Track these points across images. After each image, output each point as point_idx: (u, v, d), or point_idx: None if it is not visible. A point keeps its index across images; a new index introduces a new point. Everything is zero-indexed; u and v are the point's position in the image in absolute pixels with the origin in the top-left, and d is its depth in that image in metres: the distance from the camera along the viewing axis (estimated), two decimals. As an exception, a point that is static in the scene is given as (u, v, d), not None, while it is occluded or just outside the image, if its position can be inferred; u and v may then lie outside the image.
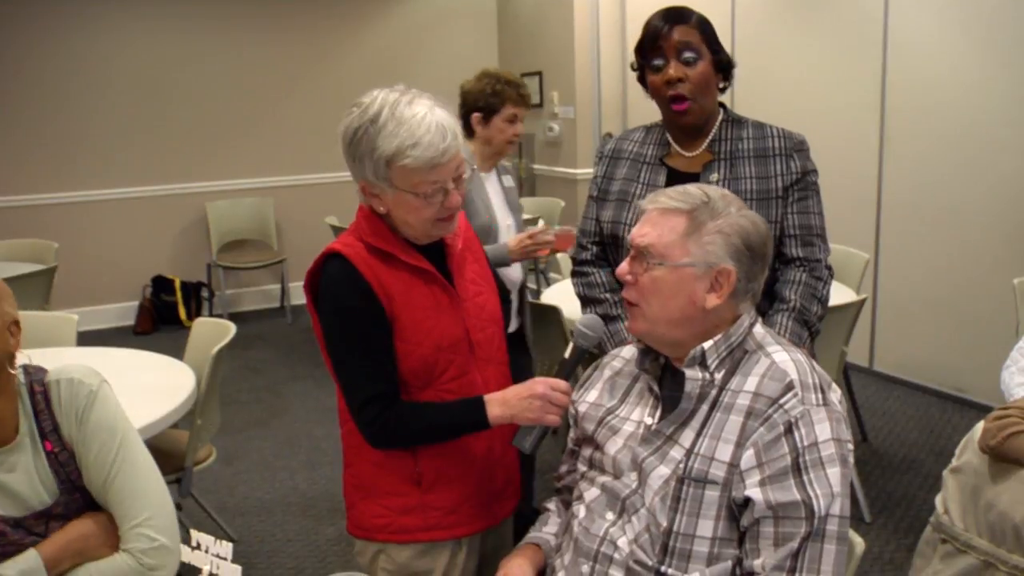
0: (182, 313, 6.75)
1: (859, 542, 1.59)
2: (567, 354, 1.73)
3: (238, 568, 1.13)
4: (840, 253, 3.91)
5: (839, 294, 3.49)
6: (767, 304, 2.14)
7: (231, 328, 3.09)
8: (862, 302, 3.29)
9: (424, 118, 1.63)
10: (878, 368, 4.96)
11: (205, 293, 7.04)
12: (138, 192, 6.82)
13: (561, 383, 1.67)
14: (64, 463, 1.59)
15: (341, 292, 1.70)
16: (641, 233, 1.57)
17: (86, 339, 3.49)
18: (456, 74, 7.35)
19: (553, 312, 3.26)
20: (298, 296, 7.13)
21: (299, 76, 7.12)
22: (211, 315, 6.84)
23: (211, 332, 3.14)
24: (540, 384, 1.66)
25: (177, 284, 6.84)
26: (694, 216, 1.55)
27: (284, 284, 7.13)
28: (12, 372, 1.54)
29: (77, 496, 1.60)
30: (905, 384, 4.77)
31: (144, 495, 1.61)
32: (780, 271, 2.17)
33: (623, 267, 1.60)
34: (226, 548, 1.14)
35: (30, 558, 1.49)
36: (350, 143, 1.69)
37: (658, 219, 1.57)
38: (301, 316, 6.96)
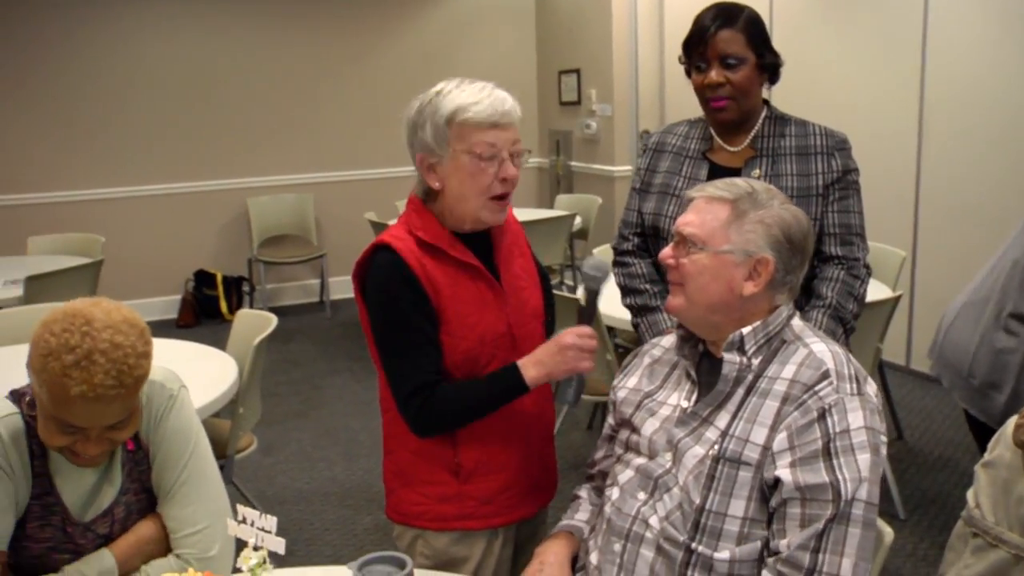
0: (223, 307, 6.87)
1: (888, 532, 1.61)
2: (582, 301, 1.77)
3: (282, 541, 1.18)
4: (876, 250, 3.89)
5: (874, 291, 3.48)
6: (804, 301, 2.16)
7: (272, 320, 3.17)
8: (897, 299, 3.28)
9: (485, 87, 1.73)
10: (915, 366, 4.94)
11: (246, 287, 7.16)
12: (181, 188, 6.95)
13: (585, 329, 1.72)
14: (138, 462, 1.63)
15: (389, 283, 1.73)
16: (686, 220, 1.63)
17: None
18: (495, 72, 7.47)
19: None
20: (337, 291, 7.23)
21: (339, 73, 7.21)
22: (252, 308, 6.94)
23: (253, 324, 3.22)
24: (567, 335, 1.70)
25: (219, 278, 6.96)
26: (737, 205, 1.60)
27: (323, 279, 7.22)
28: None
29: (143, 497, 1.63)
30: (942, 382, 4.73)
31: (207, 503, 1.63)
32: (818, 268, 2.19)
33: (666, 251, 1.65)
34: (271, 522, 1.18)
35: (104, 558, 1.52)
36: (413, 118, 1.75)
37: (703, 207, 1.63)
38: (340, 311, 7.05)
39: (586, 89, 7.04)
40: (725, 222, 1.59)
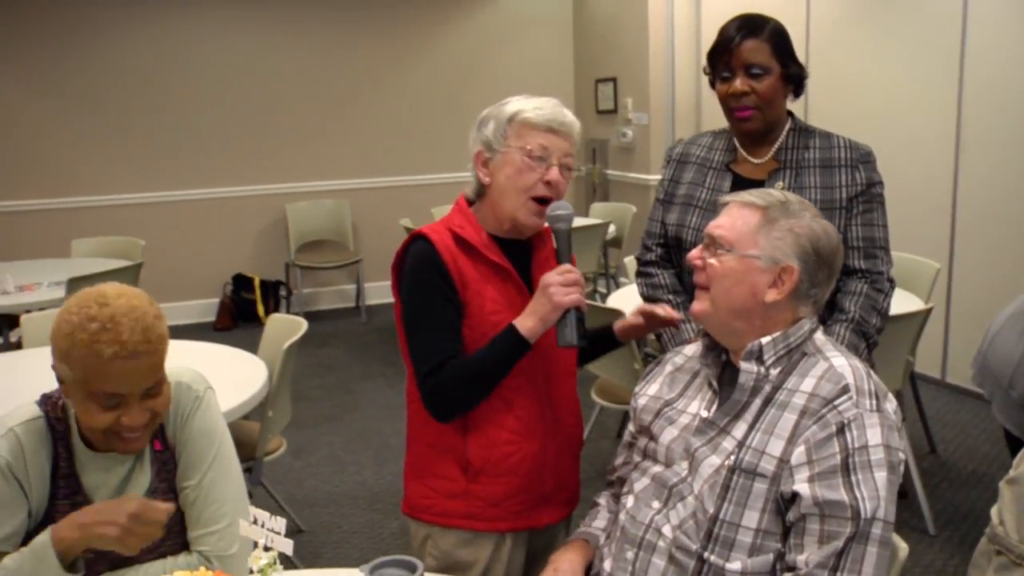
0: (260, 310, 6.95)
1: (903, 548, 1.60)
2: (554, 243, 1.84)
3: (290, 542, 1.19)
4: (910, 262, 3.87)
5: (906, 303, 3.46)
6: (827, 314, 2.15)
7: (303, 324, 3.21)
8: (928, 311, 3.25)
9: (550, 100, 1.85)
10: (951, 380, 4.87)
11: (283, 292, 7.24)
12: (221, 193, 7.06)
13: (562, 266, 1.77)
14: (165, 462, 1.66)
15: (420, 270, 1.81)
16: (717, 223, 1.66)
17: (170, 333, 3.61)
18: (532, 80, 7.51)
19: (615, 316, 3.28)
20: (373, 296, 7.29)
21: (376, 82, 7.28)
22: (288, 313, 7.03)
23: (284, 328, 3.26)
24: (547, 276, 1.75)
25: (256, 282, 7.06)
26: (768, 212, 1.61)
27: (359, 284, 7.29)
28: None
29: (171, 497, 1.66)
30: (978, 397, 4.66)
31: (228, 503, 1.66)
32: (842, 282, 2.18)
33: (694, 252, 1.68)
34: (280, 523, 1.20)
35: (44, 534, 1.51)
36: (482, 117, 1.88)
37: (735, 212, 1.65)
38: (375, 316, 7.11)
39: (622, 98, 7.04)
40: (755, 227, 1.61)
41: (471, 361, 1.79)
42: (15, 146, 6.56)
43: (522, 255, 1.90)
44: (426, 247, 1.81)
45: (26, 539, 1.56)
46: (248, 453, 3.07)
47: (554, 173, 1.79)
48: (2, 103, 6.48)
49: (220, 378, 2.81)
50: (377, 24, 7.22)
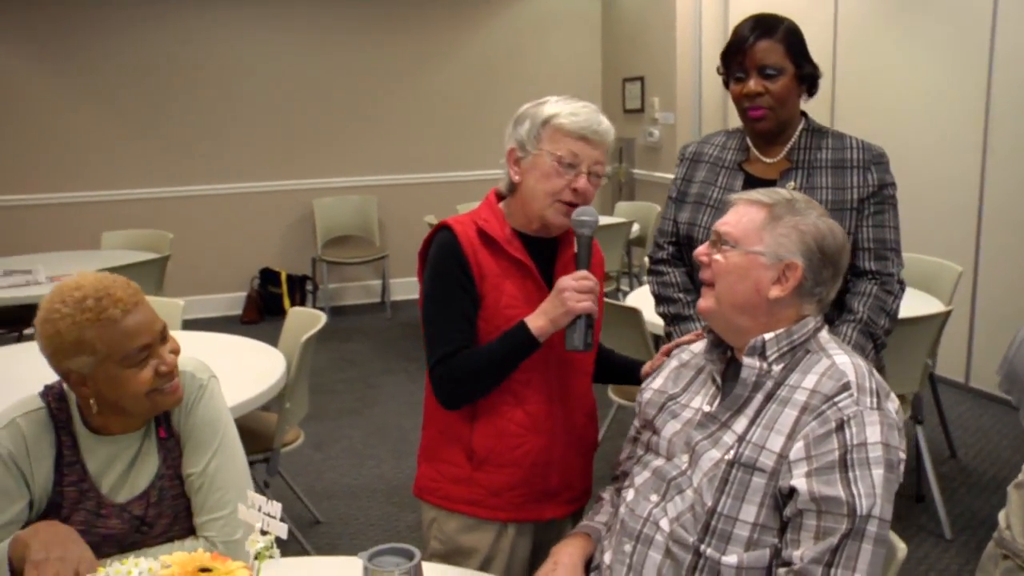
0: (287, 304, 7.02)
1: (901, 548, 1.60)
2: (575, 248, 1.84)
3: (284, 526, 1.22)
4: (932, 264, 3.84)
5: (925, 305, 3.44)
6: (836, 314, 2.15)
7: (322, 317, 3.25)
8: (947, 314, 3.22)
9: (587, 106, 1.86)
10: (974, 384, 4.83)
11: (310, 286, 7.31)
12: (249, 188, 7.14)
13: (580, 272, 1.78)
14: (171, 449, 1.71)
15: (441, 259, 1.85)
16: (724, 220, 1.67)
17: (196, 325, 3.68)
18: (560, 79, 7.53)
19: (633, 315, 3.30)
20: (398, 292, 7.35)
21: (404, 79, 7.32)
22: (314, 307, 7.09)
23: (304, 321, 3.30)
24: (562, 280, 1.77)
25: (283, 277, 7.13)
26: (774, 209, 1.63)
27: (385, 280, 7.34)
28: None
29: (177, 483, 1.71)
30: (1002, 402, 4.62)
31: (233, 490, 1.70)
32: (851, 283, 2.18)
33: (701, 248, 1.69)
34: (276, 508, 1.23)
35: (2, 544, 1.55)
36: (518, 115, 1.89)
37: (742, 210, 1.66)
38: (400, 311, 7.16)
39: (649, 97, 7.03)
40: (760, 224, 1.62)
41: (481, 353, 1.82)
42: (49, 141, 6.67)
43: (548, 252, 1.92)
44: (449, 237, 1.85)
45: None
46: (266, 444, 3.12)
47: (582, 181, 1.81)
48: (38, 100, 6.60)
49: (239, 369, 2.89)
50: (406, 22, 7.27)
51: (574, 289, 1.74)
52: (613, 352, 2.15)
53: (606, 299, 3.53)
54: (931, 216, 4.89)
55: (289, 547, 3.29)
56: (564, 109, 1.82)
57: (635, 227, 5.93)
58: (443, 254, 1.85)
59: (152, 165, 6.90)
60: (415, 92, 7.36)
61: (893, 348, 3.01)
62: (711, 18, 6.48)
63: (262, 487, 3.26)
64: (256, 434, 3.18)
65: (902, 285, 2.18)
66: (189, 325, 3.65)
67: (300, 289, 7.21)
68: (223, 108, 6.97)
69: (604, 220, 5.94)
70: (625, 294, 6.11)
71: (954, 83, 4.76)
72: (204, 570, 1.13)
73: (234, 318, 7.06)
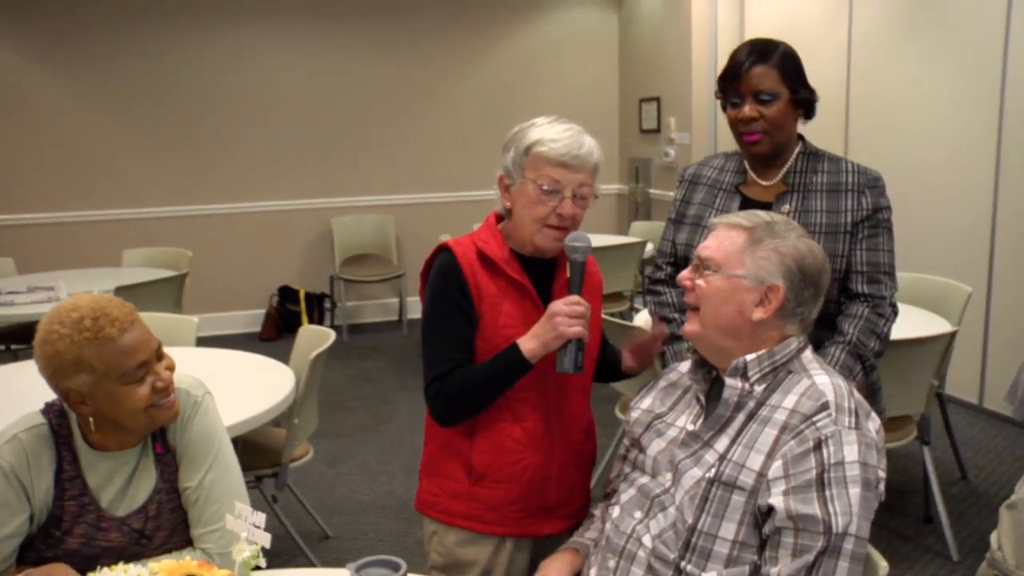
0: (305, 322, 7.09)
1: (883, 566, 1.61)
2: (568, 273, 1.87)
3: (268, 536, 1.27)
4: (941, 285, 3.85)
5: (932, 325, 3.44)
6: (828, 335, 2.18)
7: (331, 335, 3.30)
8: (952, 335, 3.23)
9: (570, 129, 1.88)
10: (988, 406, 4.80)
11: (328, 304, 7.39)
12: (268, 206, 7.24)
13: (572, 297, 1.81)
14: (167, 464, 1.76)
15: (440, 280, 1.90)
16: (705, 245, 1.71)
17: (215, 342, 3.74)
18: (578, 99, 7.59)
19: (636, 334, 3.32)
20: (415, 310, 7.40)
21: (422, 99, 7.41)
22: (332, 325, 7.17)
23: (313, 339, 3.36)
24: (554, 305, 1.80)
25: (302, 294, 7.21)
26: (754, 232, 1.66)
27: (402, 298, 7.40)
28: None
29: (174, 496, 1.76)
30: (1015, 424, 4.60)
31: (228, 502, 1.73)
32: (844, 305, 2.20)
33: (684, 273, 1.73)
34: (260, 518, 1.28)
35: None
36: (508, 139, 1.93)
37: (723, 233, 1.70)
38: (417, 329, 7.18)
39: (665, 117, 7.08)
40: (741, 247, 1.65)
41: (474, 372, 1.86)
42: (73, 161, 6.81)
43: (546, 273, 1.96)
44: (449, 259, 1.90)
45: (28, 542, 1.67)
46: (275, 459, 3.17)
47: (566, 207, 1.84)
48: (62, 121, 6.74)
49: (249, 385, 2.95)
50: (425, 43, 7.36)
51: (565, 314, 1.78)
52: (615, 348, 2.18)
53: (617, 319, 3.57)
54: (944, 235, 4.89)
55: (297, 561, 3.34)
56: (546, 135, 1.85)
57: (649, 246, 5.95)
58: (442, 275, 1.90)
59: (173, 184, 7.02)
60: (433, 112, 7.44)
61: (897, 369, 3.03)
62: (726, 39, 6.52)
63: (270, 501, 3.31)
64: (266, 449, 3.23)
65: (894, 308, 2.20)
66: (209, 342, 3.71)
67: (318, 307, 7.29)
68: (243, 128, 7.09)
69: (619, 240, 5.99)
70: (638, 311, 6.13)
71: (967, 101, 4.77)
72: (189, 577, 1.18)
73: (253, 335, 7.14)
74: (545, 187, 1.83)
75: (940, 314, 3.70)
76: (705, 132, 6.67)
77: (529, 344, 1.82)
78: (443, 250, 1.94)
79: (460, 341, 1.89)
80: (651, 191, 7.37)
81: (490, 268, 1.90)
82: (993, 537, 2.04)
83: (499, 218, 1.99)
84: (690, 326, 1.70)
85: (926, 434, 3.37)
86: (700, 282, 1.67)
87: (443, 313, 1.90)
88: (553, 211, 1.84)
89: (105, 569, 1.26)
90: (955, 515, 3.62)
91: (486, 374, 1.86)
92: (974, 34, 4.71)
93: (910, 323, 3.41)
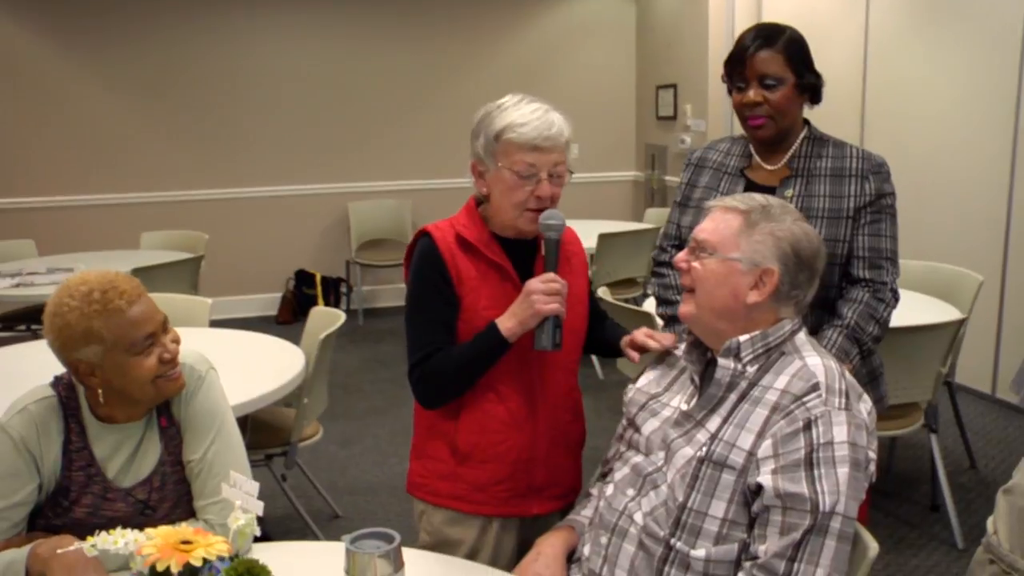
0: (321, 306, 7.14)
1: (873, 547, 1.62)
2: (543, 251, 1.89)
3: (261, 504, 1.31)
4: (952, 273, 3.84)
5: (941, 313, 3.44)
6: (828, 319, 2.19)
7: (341, 317, 3.34)
8: (961, 322, 3.22)
9: (537, 109, 1.86)
10: (1000, 395, 4.79)
11: (344, 288, 7.44)
12: (286, 191, 7.29)
13: (548, 275, 1.84)
14: (172, 437, 1.80)
15: (421, 265, 1.92)
16: (701, 227, 1.72)
17: (232, 325, 3.78)
18: (594, 86, 7.58)
19: (646, 318, 3.34)
20: (430, 295, 7.43)
21: (440, 84, 7.42)
22: (348, 309, 7.23)
23: (323, 320, 3.40)
24: (530, 283, 1.83)
25: (318, 278, 7.26)
26: (749, 216, 1.68)
27: (417, 283, 7.42)
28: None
29: (178, 468, 1.80)
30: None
31: (230, 475, 1.80)
32: (845, 290, 2.21)
33: (680, 255, 1.74)
34: (253, 487, 1.31)
35: (19, 552, 1.60)
36: (475, 124, 1.94)
37: (719, 216, 1.71)
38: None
39: (682, 104, 7.06)
40: (736, 231, 1.67)
41: (454, 354, 1.89)
42: (93, 144, 6.88)
43: (526, 254, 1.97)
44: (428, 243, 1.92)
45: (37, 510, 1.71)
46: (285, 438, 3.22)
47: (544, 188, 1.85)
48: (83, 105, 6.81)
49: (260, 365, 3.00)
50: (442, 28, 7.38)
51: (541, 291, 1.80)
52: (617, 327, 2.17)
53: (631, 304, 3.59)
54: (959, 224, 4.87)
55: (306, 539, 3.38)
56: (514, 120, 1.84)
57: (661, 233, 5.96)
58: (422, 260, 1.92)
59: (191, 168, 7.08)
60: (450, 98, 7.45)
61: (903, 356, 3.04)
62: (744, 26, 6.40)
63: (279, 480, 3.36)
64: (276, 428, 3.28)
65: (895, 294, 2.20)
66: (226, 324, 3.75)
67: (334, 291, 7.34)
68: (261, 113, 7.14)
69: (632, 226, 5.99)
70: (650, 297, 6.15)
71: (983, 90, 4.74)
72: (185, 542, 1.22)
73: (270, 318, 7.20)
74: (521, 172, 1.84)
75: (951, 302, 3.69)
76: (721, 119, 6.65)
77: (507, 323, 1.84)
78: (423, 235, 1.95)
79: (441, 325, 1.91)
80: (667, 178, 7.36)
81: (470, 251, 1.92)
82: (989, 522, 2.04)
83: (478, 201, 2.01)
84: (685, 307, 1.72)
85: (933, 422, 3.37)
86: (696, 264, 1.69)
87: (423, 298, 1.92)
88: (531, 194, 1.85)
89: (103, 533, 1.29)
90: (963, 503, 3.62)
91: (466, 355, 1.88)
92: (991, 22, 4.67)
93: (919, 310, 3.41)
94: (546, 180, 1.85)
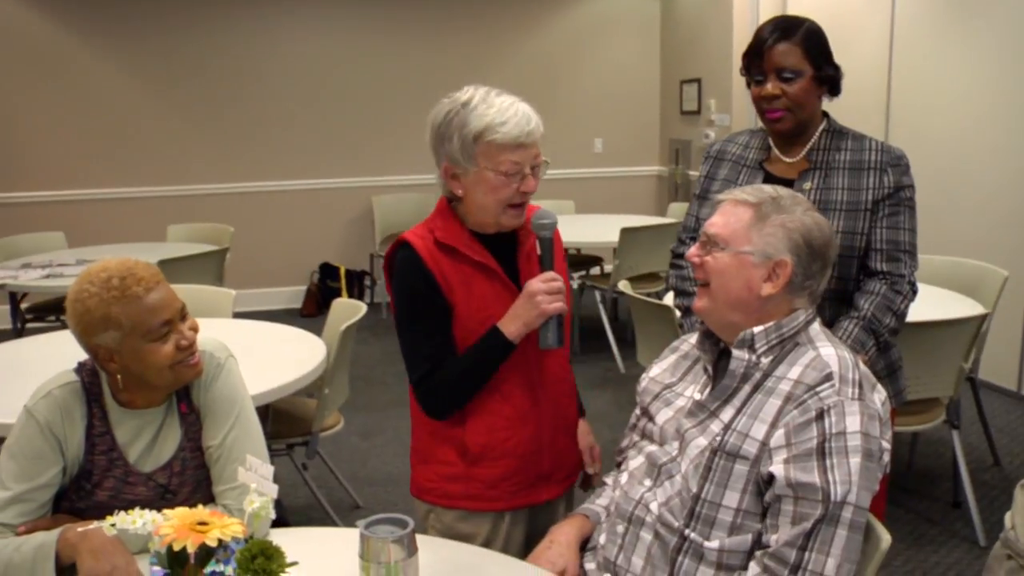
0: (345, 298, 7.18)
1: (886, 538, 1.62)
2: (538, 250, 1.89)
3: (275, 487, 1.33)
4: (976, 268, 3.81)
5: (962, 308, 3.41)
6: (844, 311, 2.18)
7: (362, 308, 3.36)
8: (983, 317, 3.20)
9: (512, 104, 1.83)
10: (1026, 392, 4.75)
11: (368, 281, 7.48)
12: (311, 184, 7.35)
13: (548, 274, 1.83)
14: (191, 423, 1.83)
15: (407, 278, 1.88)
16: (712, 221, 1.72)
17: (256, 317, 3.82)
18: (619, 80, 7.56)
19: (667, 312, 3.34)
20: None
21: (464, 79, 7.29)
22: (371, 302, 7.27)
23: (345, 312, 3.43)
24: (532, 283, 1.82)
25: (342, 271, 7.31)
26: (760, 208, 1.67)
27: (440, 277, 7.45)
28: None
29: (198, 454, 1.83)
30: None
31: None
32: (862, 282, 2.20)
33: (692, 250, 1.74)
34: (268, 470, 1.34)
35: (49, 535, 1.62)
36: (439, 125, 1.86)
37: (729, 210, 1.71)
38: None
39: (706, 99, 7.04)
40: (748, 224, 1.67)
41: (460, 363, 1.87)
42: (120, 138, 6.97)
43: (507, 247, 1.95)
44: (410, 254, 1.87)
45: (62, 493, 1.75)
46: (306, 428, 3.25)
47: (529, 183, 1.83)
48: (111, 99, 6.90)
49: (282, 356, 3.02)
50: (466, 22, 7.40)
51: (544, 292, 1.80)
52: None
53: (654, 299, 3.59)
54: (984, 220, 4.83)
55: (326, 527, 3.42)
56: (493, 119, 1.79)
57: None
58: (407, 272, 1.88)
59: (218, 162, 7.16)
60: (474, 93, 7.45)
61: (924, 351, 3.02)
62: (769, 20, 6.45)
63: (300, 469, 3.40)
64: (297, 418, 3.31)
65: (913, 287, 2.19)
66: (250, 317, 3.77)
67: (358, 284, 7.39)
68: (287, 108, 7.20)
69: (654, 221, 5.98)
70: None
71: (1009, 87, 4.69)
72: (202, 523, 1.24)
73: (293, 311, 7.27)
74: (508, 172, 1.80)
75: (976, 298, 3.66)
76: (745, 114, 6.62)
77: (511, 326, 1.83)
78: (402, 247, 1.90)
79: (438, 335, 1.88)
80: (691, 173, 7.34)
81: (452, 255, 1.87)
82: (1007, 517, 2.04)
83: (449, 200, 1.94)
84: (699, 302, 1.72)
85: (955, 418, 3.35)
86: (708, 259, 1.69)
87: (416, 310, 1.88)
88: (517, 190, 1.83)
89: (122, 513, 1.32)
90: (985, 501, 3.60)
91: (472, 363, 1.87)
92: (1018, 17, 4.62)
93: (942, 305, 3.39)
94: (530, 174, 1.83)
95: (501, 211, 1.85)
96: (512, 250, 1.95)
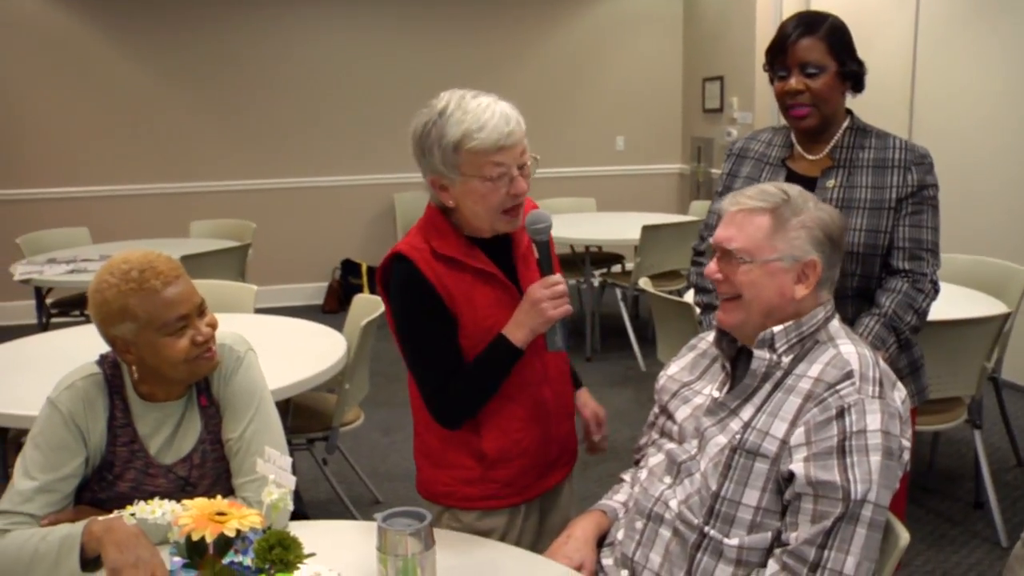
0: (366, 294, 7.21)
1: (904, 536, 1.62)
2: (536, 255, 1.87)
3: (293, 478, 1.34)
4: (998, 267, 3.77)
5: (985, 307, 3.38)
6: (866, 307, 2.17)
7: (381, 305, 3.37)
8: (1006, 316, 3.17)
9: (488, 106, 1.76)
10: (1052, 394, 4.70)
11: (389, 278, 7.50)
12: (333, 181, 7.39)
13: (549, 278, 1.82)
14: (211, 416, 1.85)
15: (408, 294, 1.84)
16: (727, 236, 1.68)
17: (278, 313, 3.84)
18: (641, 78, 7.54)
19: (688, 309, 3.34)
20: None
21: (486, 77, 7.44)
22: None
23: (366, 308, 3.44)
24: (534, 289, 1.80)
25: (363, 268, 7.34)
26: (778, 214, 1.65)
27: (461, 274, 7.48)
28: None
29: (218, 447, 1.85)
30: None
31: None
32: (884, 280, 2.19)
33: (711, 267, 1.70)
34: (286, 462, 1.35)
35: (76, 526, 1.62)
36: (419, 138, 1.81)
37: (743, 220, 1.67)
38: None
39: (728, 97, 7.01)
40: (768, 232, 1.65)
41: (471, 374, 1.85)
42: (144, 134, 7.03)
43: (503, 250, 1.92)
44: (408, 268, 1.82)
45: (84, 484, 1.77)
46: (327, 423, 3.27)
47: (518, 185, 1.78)
48: (135, 96, 6.96)
49: (302, 350, 3.04)
50: (488, 20, 7.41)
51: (548, 298, 1.79)
52: None
53: (675, 296, 3.60)
54: (1008, 218, 4.78)
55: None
56: (470, 126, 1.72)
57: (705, 226, 5.93)
58: (409, 287, 1.83)
59: (240, 159, 7.21)
60: (497, 90, 7.27)
61: (946, 350, 3.00)
62: (792, 17, 6.42)
63: (320, 463, 3.42)
64: (318, 413, 3.33)
65: (936, 286, 2.18)
66: (272, 313, 3.79)
67: (380, 281, 7.41)
68: (309, 105, 7.24)
69: (676, 219, 5.96)
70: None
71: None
72: (220, 514, 1.25)
73: (315, 307, 7.30)
74: (492, 176, 1.74)
75: (999, 297, 3.63)
76: (768, 112, 6.58)
77: (517, 333, 1.81)
78: (399, 260, 1.85)
79: (446, 346, 1.85)
80: (713, 171, 7.32)
81: (452, 265, 1.83)
82: (1028, 516, 2.02)
83: (440, 208, 1.88)
84: (729, 316, 1.68)
85: (977, 418, 3.33)
86: (735, 274, 1.66)
87: (421, 324, 1.85)
88: (508, 193, 1.77)
89: (141, 503, 1.34)
90: (1008, 501, 3.57)
91: (483, 373, 1.85)
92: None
93: (963, 304, 3.36)
94: (518, 175, 1.78)
95: (495, 218, 1.81)
96: (508, 252, 1.93)
